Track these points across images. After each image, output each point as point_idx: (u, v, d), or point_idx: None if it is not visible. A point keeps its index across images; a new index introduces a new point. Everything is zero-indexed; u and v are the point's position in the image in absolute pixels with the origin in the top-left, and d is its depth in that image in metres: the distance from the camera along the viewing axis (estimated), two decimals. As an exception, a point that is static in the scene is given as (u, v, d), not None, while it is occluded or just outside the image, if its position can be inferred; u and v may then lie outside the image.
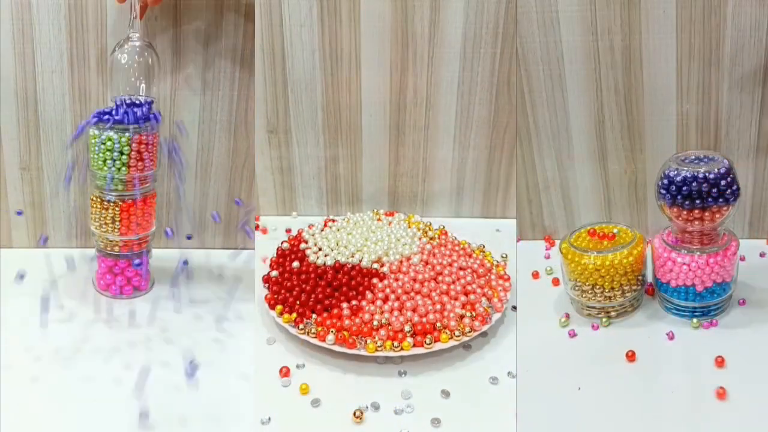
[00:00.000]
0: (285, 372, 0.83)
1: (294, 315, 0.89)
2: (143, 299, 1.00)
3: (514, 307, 0.97)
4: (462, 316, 0.88)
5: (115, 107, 0.94)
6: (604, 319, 0.93)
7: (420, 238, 1.04)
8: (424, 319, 0.87)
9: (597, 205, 1.15)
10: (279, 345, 0.90)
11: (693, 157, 0.91)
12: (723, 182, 0.87)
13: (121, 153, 0.94)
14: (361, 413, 0.76)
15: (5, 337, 0.89)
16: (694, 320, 0.91)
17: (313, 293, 0.92)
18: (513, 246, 1.10)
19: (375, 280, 0.93)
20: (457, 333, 0.86)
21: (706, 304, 0.91)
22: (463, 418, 0.77)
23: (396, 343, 0.84)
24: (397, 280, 0.93)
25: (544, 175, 1.14)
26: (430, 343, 0.85)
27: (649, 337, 0.90)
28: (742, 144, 1.08)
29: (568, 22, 1.04)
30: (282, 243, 1.07)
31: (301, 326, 0.88)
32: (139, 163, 0.95)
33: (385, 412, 0.78)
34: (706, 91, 1.06)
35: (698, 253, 0.90)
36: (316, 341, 0.86)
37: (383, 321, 0.87)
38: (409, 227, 1.08)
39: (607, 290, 0.92)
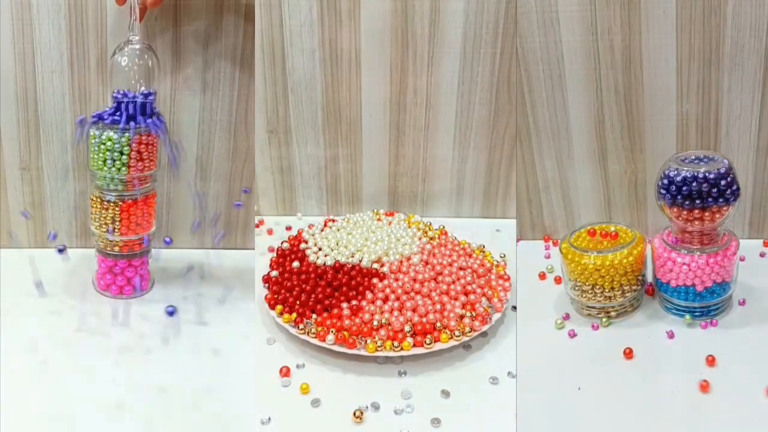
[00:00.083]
0: (285, 372, 0.83)
1: (294, 315, 0.89)
2: (143, 299, 1.00)
3: (514, 307, 0.97)
4: (462, 316, 0.88)
5: (114, 105, 0.94)
6: (604, 319, 0.93)
7: (420, 238, 1.04)
8: (424, 319, 0.87)
9: (597, 205, 1.15)
10: (279, 345, 0.90)
11: (693, 157, 0.91)
12: (723, 182, 0.87)
13: (121, 153, 0.94)
14: (361, 413, 0.76)
15: (5, 337, 0.89)
16: (687, 316, 0.91)
17: (313, 293, 0.92)
18: (513, 246, 1.10)
19: (375, 280, 0.93)
20: (457, 333, 0.86)
21: (706, 304, 0.91)
22: (463, 418, 0.77)
23: (396, 343, 0.84)
24: (397, 280, 0.94)
25: (544, 175, 1.14)
26: (430, 343, 0.85)
27: (649, 337, 0.90)
28: (742, 144, 1.08)
29: (568, 22, 1.04)
30: (282, 243, 1.07)
31: (301, 326, 0.88)
32: (139, 163, 0.95)
33: (385, 412, 0.78)
34: (706, 91, 1.06)
35: (698, 253, 0.90)
36: (316, 341, 0.86)
37: (383, 321, 0.87)
38: (409, 227, 1.08)
39: (607, 290, 0.92)
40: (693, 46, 1.04)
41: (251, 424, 0.76)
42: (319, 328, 0.87)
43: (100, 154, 0.94)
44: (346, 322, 0.87)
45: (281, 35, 1.13)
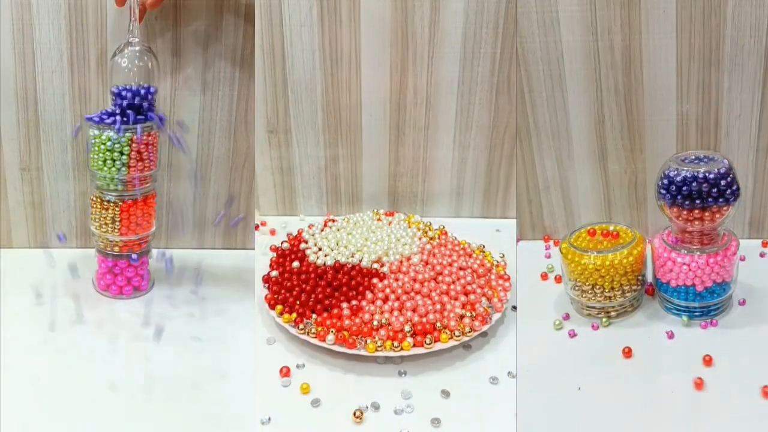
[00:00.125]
0: (285, 372, 0.83)
1: (294, 315, 0.89)
2: (143, 299, 1.00)
3: (514, 307, 0.97)
4: (462, 316, 0.88)
5: (114, 105, 0.94)
6: (604, 319, 0.93)
7: (420, 238, 1.04)
8: (424, 319, 0.87)
9: (597, 205, 1.15)
10: (279, 345, 0.90)
11: (693, 157, 0.91)
12: (723, 182, 0.87)
13: (121, 153, 0.94)
14: (361, 413, 0.76)
15: (5, 337, 0.89)
16: (684, 318, 0.91)
17: (313, 293, 0.92)
18: (513, 246, 1.10)
19: (375, 280, 0.93)
20: (457, 333, 0.86)
21: (706, 304, 0.91)
22: (463, 418, 0.77)
23: (396, 343, 0.84)
24: (397, 280, 0.94)
25: (544, 175, 1.14)
26: (430, 343, 0.85)
27: (649, 337, 0.90)
28: (742, 144, 1.08)
29: (568, 22, 1.04)
30: (282, 243, 1.07)
31: (301, 326, 0.88)
32: (139, 163, 0.95)
33: (385, 412, 0.78)
34: (706, 91, 1.06)
35: (698, 253, 0.90)
36: (316, 341, 0.86)
37: (383, 321, 0.87)
38: (409, 227, 1.08)
39: (607, 290, 0.92)
40: (693, 46, 1.04)
41: (251, 424, 0.76)
42: (319, 328, 0.87)
43: (100, 154, 0.94)
44: (346, 322, 0.87)
45: (281, 35, 1.13)
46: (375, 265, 0.96)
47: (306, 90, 1.16)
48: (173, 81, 1.07)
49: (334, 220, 1.12)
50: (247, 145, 1.11)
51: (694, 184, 0.87)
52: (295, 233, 1.10)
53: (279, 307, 0.91)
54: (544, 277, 1.05)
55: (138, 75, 0.94)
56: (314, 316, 0.89)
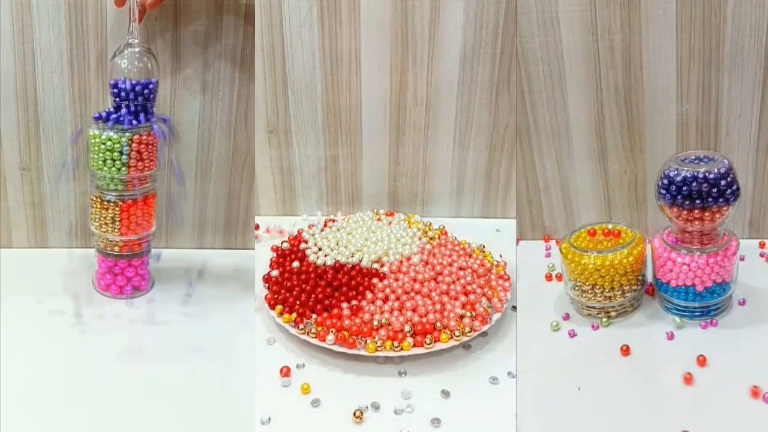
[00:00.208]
0: (285, 372, 0.83)
1: (294, 315, 0.89)
2: (143, 299, 1.00)
3: (514, 307, 0.97)
4: (462, 316, 0.88)
5: (113, 96, 0.94)
6: (604, 319, 0.93)
7: (420, 238, 1.04)
8: (424, 319, 0.87)
9: (597, 205, 1.15)
10: (279, 345, 0.90)
11: (693, 157, 0.91)
12: (723, 182, 0.87)
13: (121, 153, 0.94)
14: (361, 413, 0.76)
15: (5, 337, 0.89)
16: (677, 318, 0.91)
17: (313, 293, 0.92)
18: (513, 246, 1.10)
19: (375, 280, 0.93)
20: (457, 333, 0.86)
21: (706, 304, 0.91)
22: (463, 418, 0.77)
23: (396, 343, 0.84)
24: (397, 280, 0.94)
25: (544, 175, 1.14)
26: (430, 343, 0.85)
27: (649, 337, 0.90)
28: (742, 144, 1.08)
29: (568, 22, 1.04)
30: (282, 243, 1.07)
31: (301, 326, 0.88)
32: (139, 163, 0.95)
33: (385, 412, 0.78)
34: (706, 91, 1.06)
35: (698, 253, 0.90)
36: (316, 341, 0.86)
37: (383, 321, 0.87)
38: (409, 227, 1.08)
39: (607, 290, 0.92)
40: (693, 46, 1.04)
41: (251, 424, 0.76)
42: (319, 328, 0.87)
43: (100, 154, 0.94)
44: (346, 322, 0.87)
45: (281, 35, 1.13)
46: (375, 265, 0.96)
47: (306, 90, 1.16)
48: (173, 81, 1.07)
49: (334, 220, 1.12)
50: (247, 145, 1.11)
51: (694, 184, 0.87)
52: (295, 233, 1.10)
53: (279, 307, 0.91)
54: (549, 277, 1.05)
55: (137, 76, 0.94)
56: (314, 316, 0.89)
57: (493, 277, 0.98)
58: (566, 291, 0.97)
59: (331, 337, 0.85)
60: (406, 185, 1.23)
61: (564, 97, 1.09)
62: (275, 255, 1.04)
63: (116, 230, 0.97)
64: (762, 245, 1.10)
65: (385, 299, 0.91)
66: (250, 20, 1.06)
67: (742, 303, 0.94)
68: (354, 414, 0.76)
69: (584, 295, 0.93)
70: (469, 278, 0.95)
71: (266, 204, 1.25)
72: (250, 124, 1.10)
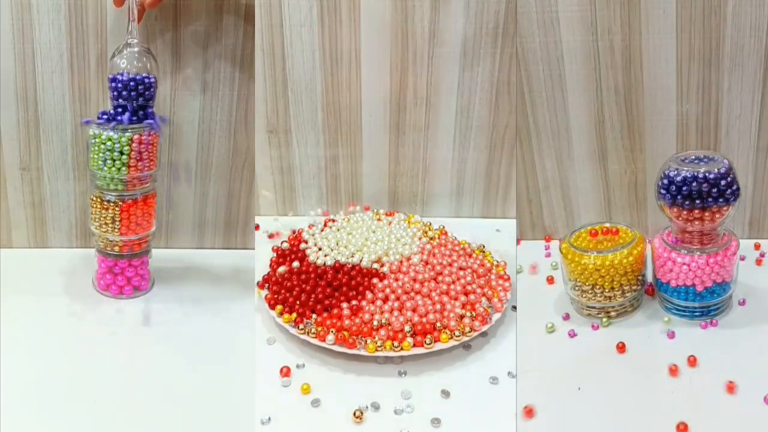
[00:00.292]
0: (285, 372, 0.83)
1: (294, 315, 0.89)
2: (143, 299, 1.00)
3: (514, 307, 0.97)
4: (462, 316, 0.88)
5: (111, 91, 0.94)
6: (604, 319, 0.93)
7: (420, 238, 1.04)
8: (424, 319, 0.87)
9: (597, 205, 1.15)
10: (279, 345, 0.90)
11: (693, 157, 0.91)
12: (723, 182, 0.87)
13: (121, 153, 0.94)
14: (361, 413, 0.76)
15: (5, 337, 0.89)
16: (666, 318, 0.91)
17: (313, 293, 0.92)
18: (513, 246, 1.10)
19: (375, 280, 0.93)
20: (457, 333, 0.86)
21: (706, 304, 0.91)
22: (463, 418, 0.77)
23: (396, 343, 0.84)
24: (397, 280, 0.94)
25: (544, 175, 1.14)
26: (430, 343, 0.85)
27: (649, 337, 0.90)
28: (742, 144, 1.08)
29: (568, 22, 1.04)
30: (282, 243, 1.07)
31: (301, 326, 0.88)
32: (139, 163, 0.95)
33: (385, 412, 0.78)
34: (706, 91, 1.06)
35: (698, 253, 0.90)
36: (316, 341, 0.86)
37: (383, 321, 0.87)
38: (409, 227, 1.08)
39: (607, 290, 0.92)
40: (693, 46, 1.04)
41: (251, 424, 0.76)
42: (319, 328, 0.87)
43: (100, 154, 0.94)
44: (346, 322, 0.87)
45: (281, 35, 1.13)
46: (375, 265, 0.96)
47: (306, 90, 1.16)
48: (173, 81, 1.07)
49: (333, 220, 1.12)
50: (247, 145, 1.11)
51: (694, 184, 0.87)
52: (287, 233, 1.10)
53: (279, 307, 0.91)
54: (550, 280, 1.04)
55: (136, 73, 0.94)
56: (314, 316, 0.89)
57: (493, 277, 0.98)
58: (566, 291, 0.97)
59: (331, 337, 0.85)
60: (406, 185, 1.23)
61: (564, 97, 1.09)
62: (275, 255, 1.04)
63: (116, 230, 0.97)
64: (757, 247, 1.09)
65: (385, 299, 0.91)
66: (250, 20, 1.06)
67: (742, 303, 0.94)
68: (354, 414, 0.76)
69: (584, 295, 0.93)
70: (469, 278, 0.95)
71: (266, 204, 1.25)
72: (250, 124, 1.10)
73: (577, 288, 0.94)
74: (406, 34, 1.13)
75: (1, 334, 0.89)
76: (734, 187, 0.88)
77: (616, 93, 1.07)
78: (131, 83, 0.93)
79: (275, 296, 0.93)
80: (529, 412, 0.77)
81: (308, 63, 1.14)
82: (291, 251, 1.03)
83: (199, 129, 1.09)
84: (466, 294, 0.92)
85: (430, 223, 1.11)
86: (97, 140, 0.94)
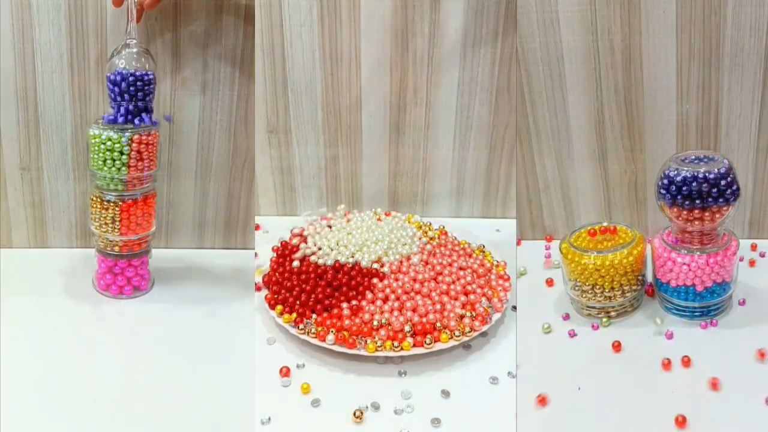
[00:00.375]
0: (285, 372, 0.83)
1: (294, 315, 0.89)
2: (143, 299, 1.00)
3: (514, 307, 0.97)
4: (462, 316, 0.88)
5: (110, 91, 0.94)
6: (604, 319, 0.93)
7: (420, 238, 1.04)
8: (424, 319, 0.87)
9: (597, 205, 1.15)
10: (279, 345, 0.90)
11: (693, 157, 0.91)
12: (723, 182, 0.87)
13: (121, 153, 0.94)
14: (361, 413, 0.76)
15: (5, 337, 0.89)
16: (657, 319, 0.91)
17: (313, 293, 0.92)
18: (513, 246, 1.10)
19: (375, 280, 0.93)
20: (457, 333, 0.86)
21: (706, 304, 0.91)
22: (463, 418, 0.77)
23: (396, 343, 0.84)
24: (397, 280, 0.94)
25: (544, 175, 1.14)
26: (430, 343, 0.85)
27: (649, 337, 0.90)
28: (742, 144, 1.08)
29: (568, 22, 1.04)
30: (282, 243, 1.07)
31: (301, 326, 0.88)
32: (139, 163, 0.95)
33: (385, 412, 0.78)
34: (706, 91, 1.06)
35: (698, 253, 0.90)
36: (316, 341, 0.86)
37: (383, 321, 0.87)
38: (409, 227, 1.08)
39: (607, 290, 0.92)
40: (693, 46, 1.04)
41: (251, 424, 0.76)
42: (319, 328, 0.87)
43: (100, 154, 0.94)
44: (346, 322, 0.87)
45: (281, 35, 1.13)
46: (375, 265, 0.96)
47: (306, 90, 1.16)
48: (173, 81, 1.07)
49: (332, 218, 1.12)
50: (247, 145, 1.11)
51: (694, 184, 0.87)
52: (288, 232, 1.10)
53: (279, 307, 0.91)
54: (550, 282, 1.04)
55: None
56: (314, 316, 0.89)
57: (493, 277, 0.98)
58: (566, 291, 0.97)
59: (331, 337, 0.85)
60: (406, 185, 1.23)
61: (564, 97, 1.09)
62: (275, 255, 1.04)
63: (116, 230, 0.97)
64: (754, 248, 1.09)
65: (385, 299, 0.91)
66: (250, 20, 1.06)
67: (742, 303, 0.94)
68: (354, 414, 0.76)
69: (584, 295, 0.93)
70: (469, 278, 0.95)
71: (266, 204, 1.25)
72: (250, 124, 1.10)
73: (577, 288, 0.94)
74: (406, 34, 1.13)
75: (1, 334, 0.89)
76: (734, 187, 0.88)
77: (616, 93, 1.07)
78: (130, 77, 0.93)
79: (275, 296, 0.93)
80: (542, 400, 0.78)
81: (308, 63, 1.14)
82: (291, 251, 1.03)
83: (199, 129, 1.09)
84: (466, 294, 0.92)
85: (430, 223, 1.11)
86: (97, 140, 0.94)
